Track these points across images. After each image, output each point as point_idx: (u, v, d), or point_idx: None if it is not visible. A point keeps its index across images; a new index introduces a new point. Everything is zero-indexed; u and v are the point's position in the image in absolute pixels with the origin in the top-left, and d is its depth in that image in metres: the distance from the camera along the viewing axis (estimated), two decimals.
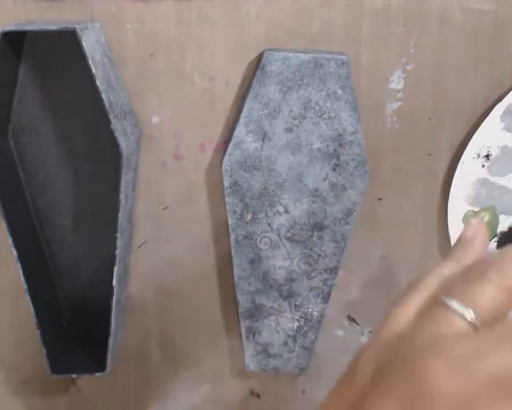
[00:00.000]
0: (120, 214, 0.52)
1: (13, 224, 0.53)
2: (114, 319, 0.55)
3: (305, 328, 0.60)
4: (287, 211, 0.56)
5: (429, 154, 0.58)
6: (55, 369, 0.56)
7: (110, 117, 0.49)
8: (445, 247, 0.60)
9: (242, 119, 0.54)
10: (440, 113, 0.57)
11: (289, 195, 0.56)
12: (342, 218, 0.56)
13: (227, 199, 0.56)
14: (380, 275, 0.61)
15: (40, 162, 0.56)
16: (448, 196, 0.58)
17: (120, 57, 0.54)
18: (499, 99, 0.56)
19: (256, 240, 0.57)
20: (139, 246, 0.59)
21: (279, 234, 0.57)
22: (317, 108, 0.54)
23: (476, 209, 0.58)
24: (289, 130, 0.54)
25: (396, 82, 0.56)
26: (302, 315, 0.59)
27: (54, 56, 0.53)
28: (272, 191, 0.56)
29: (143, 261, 0.59)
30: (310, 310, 0.59)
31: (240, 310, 0.59)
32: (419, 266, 0.61)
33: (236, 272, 0.58)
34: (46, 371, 0.56)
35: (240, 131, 0.54)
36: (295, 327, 0.60)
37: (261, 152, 0.55)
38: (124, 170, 0.51)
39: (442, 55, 0.56)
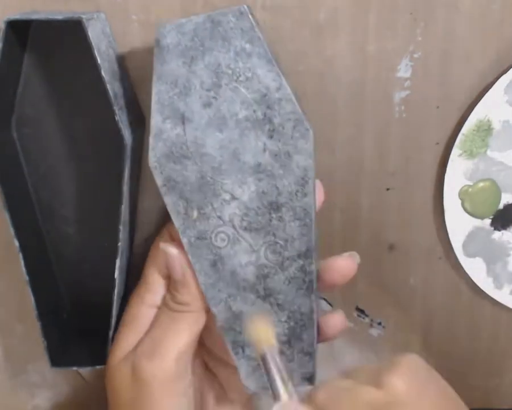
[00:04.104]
0: (123, 207, 0.53)
1: (16, 215, 0.54)
2: (115, 312, 0.56)
3: (298, 330, 0.53)
4: (234, 197, 0.51)
5: (437, 143, 0.59)
6: (55, 361, 0.57)
7: (115, 108, 0.51)
8: None
9: (154, 106, 0.50)
10: (448, 101, 0.58)
11: (231, 178, 0.50)
12: (297, 191, 0.50)
13: (165, 199, 0.51)
14: (389, 266, 0.63)
15: (43, 153, 0.57)
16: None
17: (125, 48, 0.55)
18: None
19: (211, 238, 0.51)
20: (145, 239, 0.60)
21: (233, 226, 0.51)
22: (230, 72, 0.49)
23: (472, 183, 0.60)
24: (207, 104, 0.49)
25: (404, 71, 0.57)
26: (290, 315, 0.53)
27: (59, 46, 0.55)
28: (211, 178, 0.51)
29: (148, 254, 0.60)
30: (296, 307, 0.53)
31: (218, 324, 0.53)
32: (428, 256, 0.63)
33: (200, 280, 0.52)
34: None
35: (156, 120, 0.50)
36: (286, 331, 0.54)
37: (186, 137, 0.50)
38: (128, 162, 0.52)
39: (450, 43, 0.57)
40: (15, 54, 0.53)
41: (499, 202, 0.61)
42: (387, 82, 0.58)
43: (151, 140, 0.50)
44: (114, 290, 0.55)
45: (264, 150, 0.50)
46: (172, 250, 0.52)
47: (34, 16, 0.51)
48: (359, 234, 0.61)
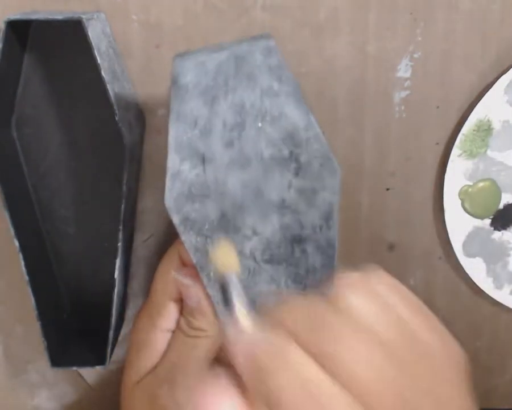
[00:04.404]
0: (123, 207, 0.53)
1: (16, 215, 0.54)
2: (115, 312, 0.56)
3: None
4: (255, 233, 0.49)
5: (437, 143, 0.60)
6: (55, 361, 0.57)
7: (115, 108, 0.51)
8: None
9: (171, 147, 0.46)
10: (448, 101, 0.58)
11: (253, 215, 0.48)
12: (322, 225, 0.49)
13: (183, 238, 0.48)
14: (389, 266, 0.61)
15: (43, 152, 0.57)
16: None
17: (126, 48, 0.55)
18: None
19: None
20: (145, 240, 0.60)
21: (254, 259, 0.49)
22: (255, 111, 0.47)
23: (471, 183, 0.60)
24: (229, 144, 0.47)
25: (404, 71, 0.57)
26: None
27: (59, 46, 0.55)
28: (232, 215, 0.48)
29: (150, 254, 0.60)
30: None
31: None
32: (428, 256, 0.63)
33: (219, 310, 0.50)
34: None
35: (173, 161, 0.47)
36: None
37: (206, 178, 0.47)
38: (127, 162, 0.52)
39: (450, 43, 0.57)
40: (15, 54, 0.54)
41: (499, 202, 0.61)
42: (387, 82, 0.58)
43: (168, 181, 0.47)
44: (114, 290, 0.55)
45: (289, 187, 0.48)
46: (187, 281, 0.51)
47: (34, 16, 0.51)
48: (359, 234, 0.62)
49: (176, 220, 0.48)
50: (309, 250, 0.49)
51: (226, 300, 0.43)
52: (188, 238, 0.48)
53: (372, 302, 0.40)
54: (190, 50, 0.47)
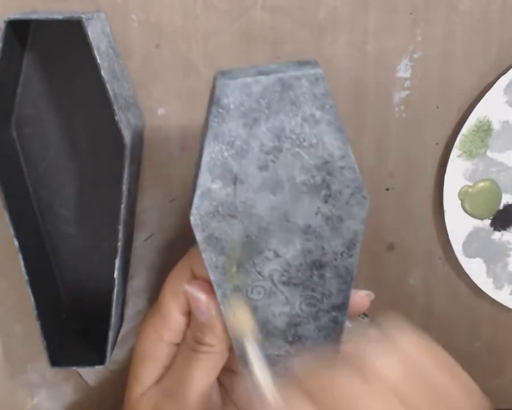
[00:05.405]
0: (122, 207, 0.53)
1: (15, 215, 0.54)
2: (115, 312, 0.56)
3: None
4: (277, 255, 0.48)
5: (437, 143, 0.60)
6: (55, 361, 0.57)
7: (114, 108, 0.50)
8: None
9: (204, 166, 0.45)
10: (448, 101, 0.59)
11: (277, 238, 0.48)
12: (343, 252, 0.49)
13: (204, 255, 0.47)
14: (388, 266, 0.63)
15: (42, 152, 0.57)
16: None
17: (126, 48, 0.55)
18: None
19: (247, 291, 0.49)
20: (145, 239, 0.60)
21: (272, 281, 0.49)
22: (294, 137, 0.46)
23: (471, 184, 0.60)
24: (263, 167, 0.46)
25: (404, 71, 0.57)
26: None
27: (59, 46, 0.55)
28: (256, 236, 0.48)
29: (150, 253, 0.60)
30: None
31: (240, 365, 0.51)
32: (428, 256, 0.63)
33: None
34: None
35: (205, 179, 0.46)
36: None
37: (235, 198, 0.47)
38: (127, 162, 0.52)
39: (449, 43, 0.57)
40: (15, 54, 0.54)
41: (499, 202, 0.61)
42: (387, 82, 0.58)
43: (196, 198, 0.46)
44: (113, 290, 0.55)
45: (317, 213, 0.48)
46: (199, 295, 0.50)
47: (34, 16, 0.51)
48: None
49: (199, 237, 0.47)
50: (327, 275, 0.49)
51: (245, 361, 0.45)
52: (209, 256, 0.48)
53: (402, 368, 0.39)
54: (232, 69, 0.46)
